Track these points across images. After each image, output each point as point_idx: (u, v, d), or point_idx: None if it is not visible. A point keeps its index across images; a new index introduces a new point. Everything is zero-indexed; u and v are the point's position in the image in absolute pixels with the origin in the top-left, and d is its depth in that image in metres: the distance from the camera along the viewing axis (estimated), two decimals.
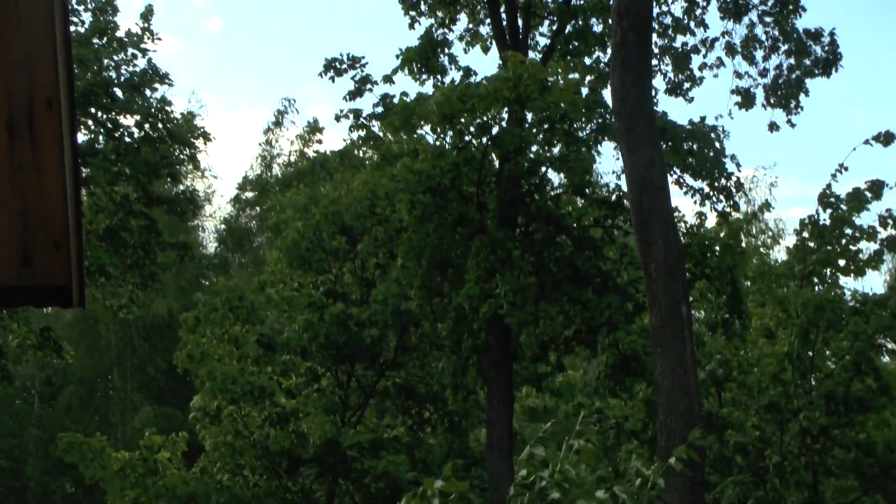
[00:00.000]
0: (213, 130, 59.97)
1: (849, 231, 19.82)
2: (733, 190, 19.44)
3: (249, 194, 44.17)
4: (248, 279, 32.49)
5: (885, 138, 18.65)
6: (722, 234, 19.62)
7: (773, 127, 20.19)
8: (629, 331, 18.37)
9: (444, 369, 20.87)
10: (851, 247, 19.90)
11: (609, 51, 18.25)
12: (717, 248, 19.04)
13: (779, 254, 21.44)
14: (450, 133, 18.50)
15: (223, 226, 45.04)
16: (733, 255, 18.95)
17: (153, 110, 21.42)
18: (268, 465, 22.56)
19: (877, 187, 19.73)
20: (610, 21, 17.14)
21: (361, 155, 25.51)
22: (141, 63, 21.45)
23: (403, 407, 23.85)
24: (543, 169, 19.37)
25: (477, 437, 24.35)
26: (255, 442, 21.87)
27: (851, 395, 19.60)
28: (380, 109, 20.20)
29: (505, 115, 18.57)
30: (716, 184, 19.23)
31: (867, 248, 19.98)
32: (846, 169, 19.90)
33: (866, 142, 18.81)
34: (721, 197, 19.58)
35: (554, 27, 21.31)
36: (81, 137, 21.01)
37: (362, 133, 20.31)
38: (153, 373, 41.45)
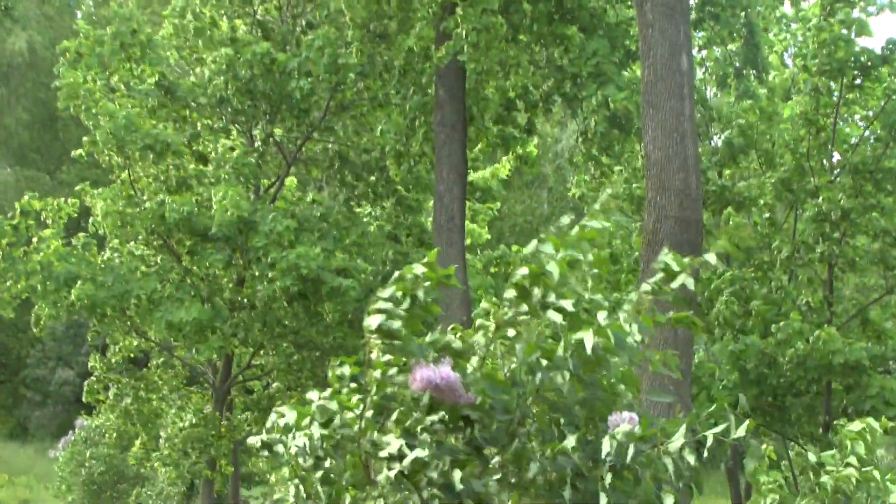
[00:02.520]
0: None
1: None
2: None
3: None
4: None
5: None
6: None
7: None
8: (621, 84, 18.52)
9: (387, 132, 21.10)
10: None
11: None
12: None
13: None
14: None
15: None
16: None
17: None
18: (163, 244, 22.97)
19: None
20: None
21: None
22: None
23: (337, 177, 24.19)
24: None
25: (428, 215, 24.81)
26: (149, 211, 22.21)
27: (883, 169, 20.16)
28: None
29: None
30: None
31: None
32: None
33: None
34: None
35: None
36: None
37: None
38: (13, 126, 41.33)
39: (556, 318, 4.57)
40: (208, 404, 24.90)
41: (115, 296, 21.36)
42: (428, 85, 20.04)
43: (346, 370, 4.85)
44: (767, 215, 21.28)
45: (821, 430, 20.84)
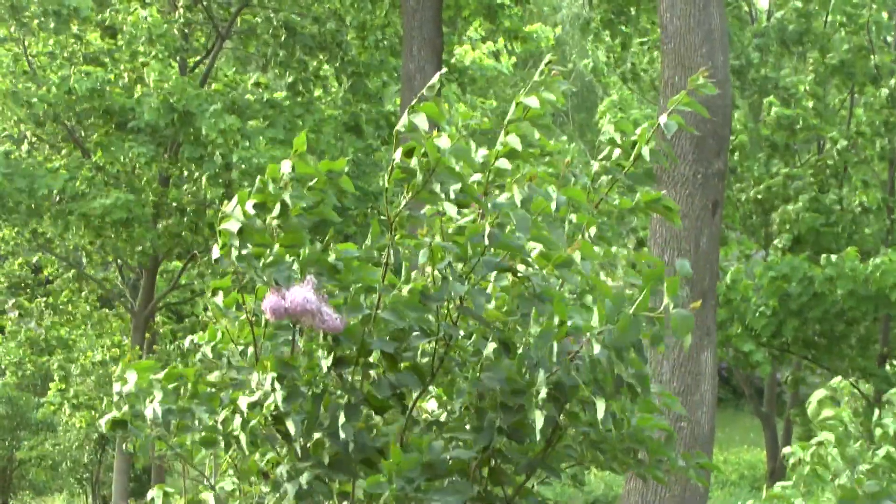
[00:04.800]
0: None
1: None
2: None
3: None
4: None
5: None
6: None
7: None
8: None
9: None
10: None
11: None
12: None
13: None
14: None
15: None
16: None
17: None
18: (67, 133, 22.64)
19: None
20: None
21: None
22: None
23: (281, 53, 23.79)
24: None
25: (394, 103, 24.67)
26: (51, 88, 21.72)
27: None
28: None
29: None
30: None
31: None
32: None
33: None
34: None
35: None
36: None
37: None
38: None
39: (451, 209, 4.14)
40: (126, 335, 24.64)
41: (19, 189, 21.04)
42: None
43: (219, 299, 4.47)
44: (812, 104, 21.06)
45: (876, 364, 20.71)
